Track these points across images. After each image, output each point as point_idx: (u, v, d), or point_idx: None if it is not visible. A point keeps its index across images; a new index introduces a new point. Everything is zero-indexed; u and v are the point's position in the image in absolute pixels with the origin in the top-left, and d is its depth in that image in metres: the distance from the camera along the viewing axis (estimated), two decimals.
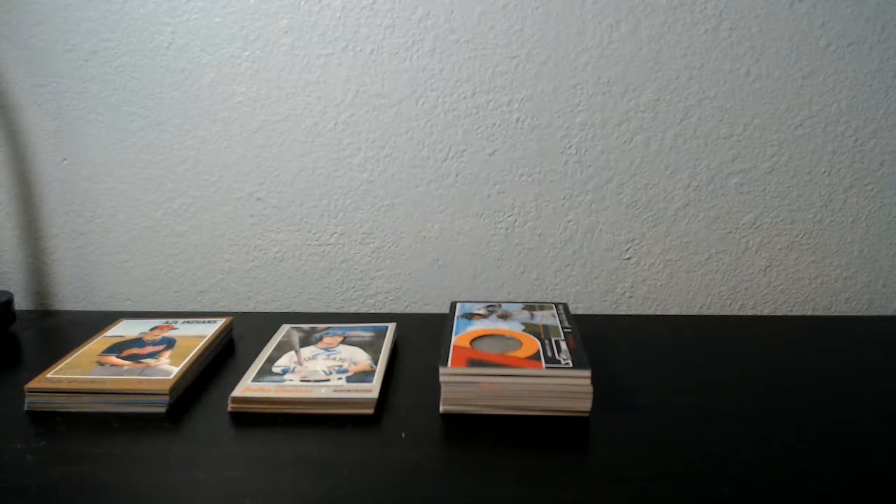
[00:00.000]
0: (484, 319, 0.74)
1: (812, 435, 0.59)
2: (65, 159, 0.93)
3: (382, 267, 0.95)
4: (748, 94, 0.88)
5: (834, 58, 0.86)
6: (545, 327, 0.71)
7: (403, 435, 0.60)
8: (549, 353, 0.64)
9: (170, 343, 0.75)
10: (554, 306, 0.78)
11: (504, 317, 0.74)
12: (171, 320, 0.83)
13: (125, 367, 0.69)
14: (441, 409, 0.63)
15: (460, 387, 0.62)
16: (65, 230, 0.96)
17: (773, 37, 0.86)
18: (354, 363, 0.70)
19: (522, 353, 0.65)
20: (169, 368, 0.68)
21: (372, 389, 0.64)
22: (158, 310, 0.98)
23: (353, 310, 0.97)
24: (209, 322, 0.81)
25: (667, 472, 0.54)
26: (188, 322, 0.82)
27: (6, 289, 0.97)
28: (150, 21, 0.88)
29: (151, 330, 0.79)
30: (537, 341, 0.67)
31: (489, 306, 0.78)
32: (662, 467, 0.55)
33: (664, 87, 0.88)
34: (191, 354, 0.71)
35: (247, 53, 0.88)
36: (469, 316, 0.75)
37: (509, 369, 0.61)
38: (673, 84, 0.87)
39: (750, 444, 0.58)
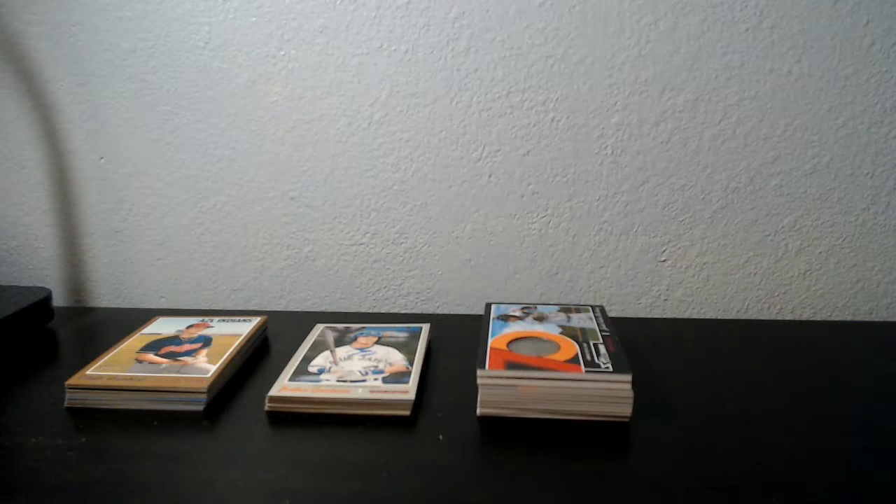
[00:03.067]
0: (520, 321, 0.73)
1: (858, 444, 0.58)
2: (102, 158, 0.94)
3: (414, 267, 0.95)
4: (789, 94, 0.86)
5: (878, 57, 0.84)
6: (583, 330, 0.70)
7: (441, 437, 0.59)
8: (588, 357, 0.63)
9: (206, 341, 0.75)
10: (591, 308, 0.77)
11: (540, 319, 0.74)
12: (206, 318, 0.83)
13: (163, 365, 0.69)
14: (478, 411, 0.63)
15: (498, 390, 0.61)
16: (101, 228, 0.97)
17: (816, 35, 0.84)
18: (390, 364, 0.70)
19: (560, 356, 0.64)
20: (206, 367, 0.68)
21: (409, 391, 0.64)
22: (192, 308, 0.99)
23: (384, 310, 0.97)
24: (244, 321, 0.82)
25: (709, 479, 0.53)
26: (224, 320, 0.82)
27: (44, 285, 0.98)
28: (186, 21, 0.88)
29: (188, 328, 0.79)
30: (575, 344, 0.66)
31: (525, 308, 0.78)
32: (704, 475, 0.54)
33: (703, 87, 0.86)
34: (227, 353, 0.72)
35: (282, 53, 0.88)
36: (504, 318, 0.74)
37: (549, 373, 0.61)
38: (712, 83, 0.86)
39: (792, 452, 0.56)
